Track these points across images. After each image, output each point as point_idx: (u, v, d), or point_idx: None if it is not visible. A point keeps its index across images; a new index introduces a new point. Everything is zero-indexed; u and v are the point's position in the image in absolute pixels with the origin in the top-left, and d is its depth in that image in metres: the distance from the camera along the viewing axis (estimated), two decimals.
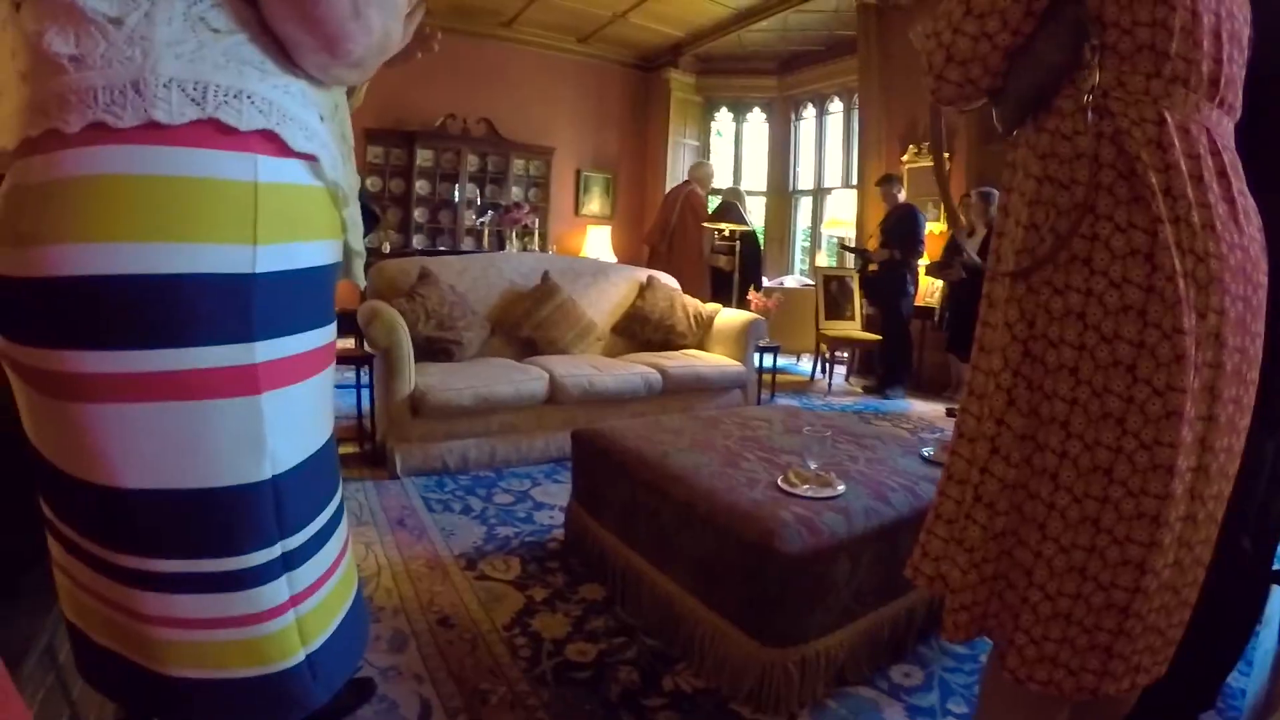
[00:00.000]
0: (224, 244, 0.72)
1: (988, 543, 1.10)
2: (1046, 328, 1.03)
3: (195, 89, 0.70)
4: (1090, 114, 1.00)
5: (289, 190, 0.78)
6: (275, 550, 0.80)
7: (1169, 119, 0.97)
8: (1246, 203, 1.04)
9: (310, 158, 0.80)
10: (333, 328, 0.90)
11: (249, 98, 0.73)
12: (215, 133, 0.71)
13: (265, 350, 0.76)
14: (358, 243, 0.96)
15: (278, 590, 0.81)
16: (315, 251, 0.83)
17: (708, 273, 7.01)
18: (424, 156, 8.21)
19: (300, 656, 0.85)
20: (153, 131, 0.68)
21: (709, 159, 9.04)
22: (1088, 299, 0.99)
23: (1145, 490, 0.97)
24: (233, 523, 0.77)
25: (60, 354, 0.70)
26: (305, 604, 0.84)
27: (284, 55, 0.79)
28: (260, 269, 0.74)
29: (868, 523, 1.84)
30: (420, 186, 8.24)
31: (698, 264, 7.01)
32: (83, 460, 0.74)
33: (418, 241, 8.18)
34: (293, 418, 0.80)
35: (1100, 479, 0.99)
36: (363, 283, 1.07)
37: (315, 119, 0.82)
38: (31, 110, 0.69)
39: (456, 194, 8.36)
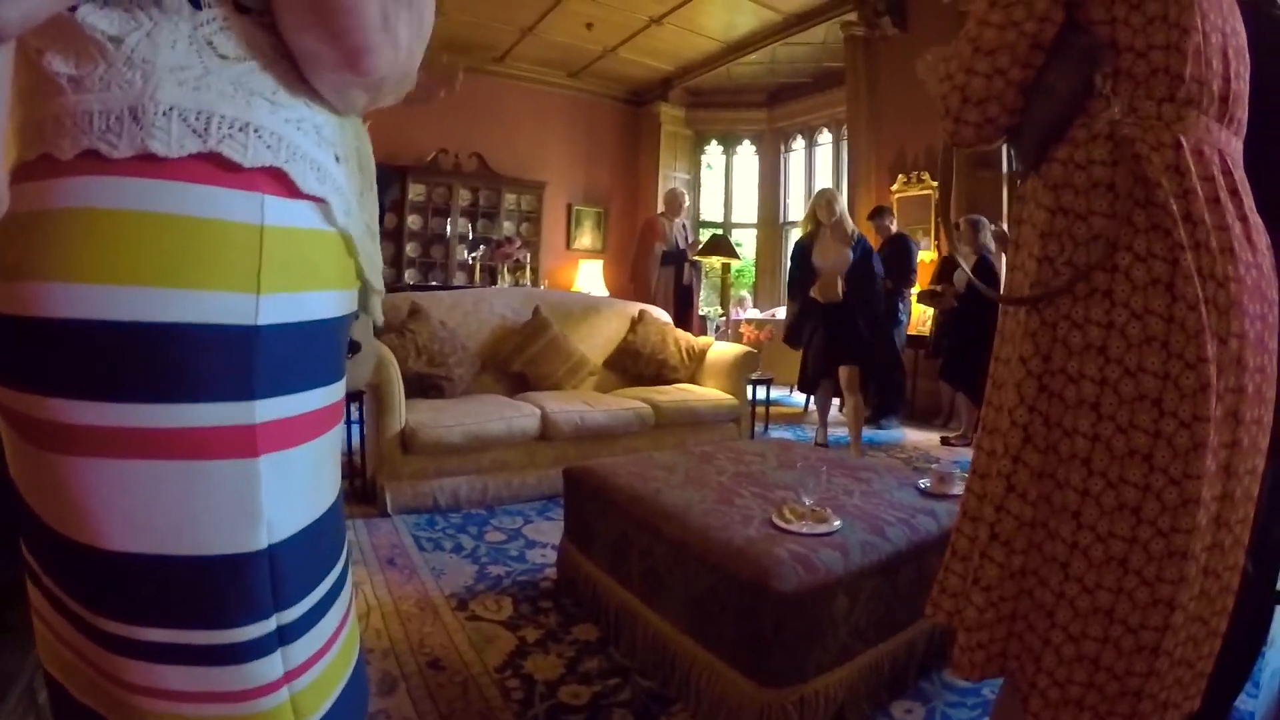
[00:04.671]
0: (225, 292, 0.66)
1: (1005, 581, 1.07)
2: (1065, 362, 1.00)
3: (198, 119, 0.65)
4: (1106, 142, 0.99)
5: (298, 235, 0.72)
6: (270, 624, 0.74)
7: (1184, 143, 0.96)
8: (1256, 220, 1.03)
9: (320, 200, 0.74)
10: (340, 385, 0.83)
11: (256, 131, 0.68)
12: (217, 169, 0.66)
13: (265, 410, 0.70)
14: (378, 280, 0.91)
15: (272, 666, 0.75)
16: (324, 302, 0.77)
17: (658, 298, 6.91)
18: (416, 191, 8.27)
19: None
20: (149, 164, 0.63)
21: (699, 192, 9.07)
22: (1109, 332, 0.96)
23: (1176, 528, 0.94)
24: (225, 594, 0.72)
25: (44, 401, 0.65)
26: (300, 680, 0.78)
27: (298, 83, 0.74)
28: (264, 320, 0.68)
29: (865, 558, 1.81)
30: (412, 221, 8.28)
31: (644, 293, 6.94)
32: (67, 516, 0.68)
33: (410, 276, 8.20)
34: (292, 483, 0.75)
35: (1127, 518, 0.96)
36: (379, 318, 1.00)
37: (330, 159, 0.76)
38: (27, 132, 0.64)
39: (448, 229, 8.40)
